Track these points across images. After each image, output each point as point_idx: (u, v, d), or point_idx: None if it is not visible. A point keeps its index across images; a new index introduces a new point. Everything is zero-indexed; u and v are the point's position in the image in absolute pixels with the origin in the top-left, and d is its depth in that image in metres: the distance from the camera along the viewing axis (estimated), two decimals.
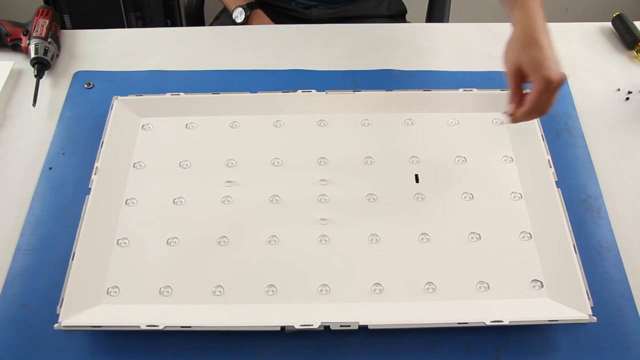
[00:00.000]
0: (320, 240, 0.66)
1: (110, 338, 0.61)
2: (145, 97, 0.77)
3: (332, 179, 0.71)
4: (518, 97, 0.65)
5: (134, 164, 0.73)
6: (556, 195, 0.67)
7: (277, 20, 1.08)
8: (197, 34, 0.93)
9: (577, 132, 0.78)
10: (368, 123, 0.76)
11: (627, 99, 0.83)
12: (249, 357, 0.60)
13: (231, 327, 0.59)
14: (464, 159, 0.73)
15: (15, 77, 0.84)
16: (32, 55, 0.82)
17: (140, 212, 0.69)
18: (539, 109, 0.63)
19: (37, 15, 0.86)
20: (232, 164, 0.73)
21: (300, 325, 0.58)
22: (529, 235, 0.67)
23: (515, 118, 0.66)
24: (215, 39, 0.91)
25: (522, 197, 0.70)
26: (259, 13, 1.06)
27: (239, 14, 1.04)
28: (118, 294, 0.63)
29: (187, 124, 0.76)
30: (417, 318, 0.60)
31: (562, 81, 0.62)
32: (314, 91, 0.77)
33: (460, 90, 0.77)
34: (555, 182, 0.68)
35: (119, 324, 0.59)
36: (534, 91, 0.62)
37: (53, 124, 0.79)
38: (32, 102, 0.79)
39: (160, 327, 0.58)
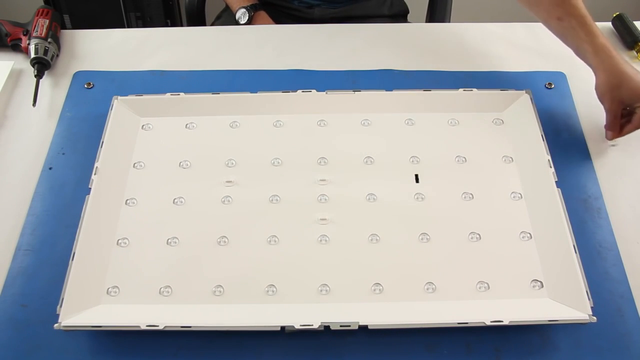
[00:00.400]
0: (320, 240, 0.66)
1: (110, 338, 0.61)
2: (145, 97, 0.77)
3: (332, 179, 0.71)
4: (619, 124, 0.75)
5: (134, 164, 0.73)
6: (556, 195, 0.67)
7: (279, 20, 1.08)
8: (198, 34, 0.93)
9: (577, 132, 0.78)
10: (368, 123, 0.76)
11: None
12: (249, 357, 0.60)
13: (231, 327, 0.59)
14: (464, 159, 0.73)
15: (15, 77, 0.84)
16: (32, 55, 0.82)
17: (140, 212, 0.69)
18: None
19: (37, 15, 0.86)
20: (232, 164, 0.73)
21: (300, 325, 0.58)
22: (529, 235, 0.67)
23: (618, 136, 0.76)
24: (215, 39, 0.91)
25: (522, 197, 0.70)
26: (263, 14, 1.06)
27: (242, 15, 1.04)
28: (118, 294, 0.63)
29: (187, 124, 0.76)
30: (417, 318, 0.60)
31: None
32: (314, 91, 0.77)
33: (460, 90, 0.77)
34: (555, 182, 0.68)
35: (119, 324, 0.59)
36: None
37: (53, 124, 0.79)
38: (32, 102, 0.79)
39: (160, 327, 0.58)
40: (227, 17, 1.15)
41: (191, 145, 0.74)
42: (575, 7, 0.75)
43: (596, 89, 0.75)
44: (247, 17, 1.04)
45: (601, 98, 0.75)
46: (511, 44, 0.89)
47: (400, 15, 1.16)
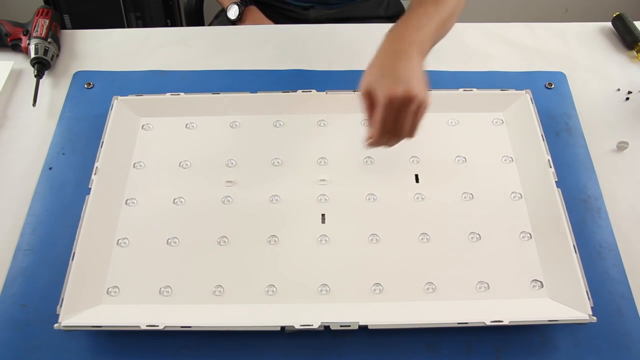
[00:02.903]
0: (320, 241, 0.66)
1: (110, 338, 0.61)
2: (145, 97, 0.77)
3: (332, 179, 0.71)
4: (371, 117, 0.61)
5: (134, 164, 0.73)
6: (556, 195, 0.67)
7: (274, 20, 1.08)
8: (197, 34, 0.93)
9: (577, 132, 0.78)
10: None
11: (627, 99, 0.83)
12: (249, 357, 0.60)
13: (231, 327, 0.59)
14: (464, 159, 0.73)
15: (15, 77, 0.84)
16: (32, 55, 0.82)
17: (140, 212, 0.69)
18: (392, 130, 0.60)
19: (37, 15, 0.86)
20: (232, 164, 0.73)
21: (300, 325, 0.58)
22: (529, 235, 0.67)
23: (371, 143, 0.62)
24: (215, 39, 0.91)
25: (522, 197, 0.70)
26: (253, 9, 1.06)
27: (233, 11, 1.05)
28: (118, 294, 0.63)
29: (187, 124, 0.76)
30: (417, 318, 0.60)
31: (405, 97, 0.57)
32: (314, 91, 0.77)
33: (460, 90, 0.77)
34: (555, 182, 0.68)
35: (119, 324, 0.59)
36: (377, 109, 0.59)
37: (53, 124, 0.79)
38: (32, 102, 0.79)
39: (160, 327, 0.58)
40: (225, 16, 1.15)
41: (191, 145, 0.74)
42: None
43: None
44: (237, 13, 1.04)
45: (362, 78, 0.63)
46: (511, 44, 0.89)
47: (397, 16, 1.15)
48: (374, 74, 0.60)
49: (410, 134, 0.62)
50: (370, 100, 0.61)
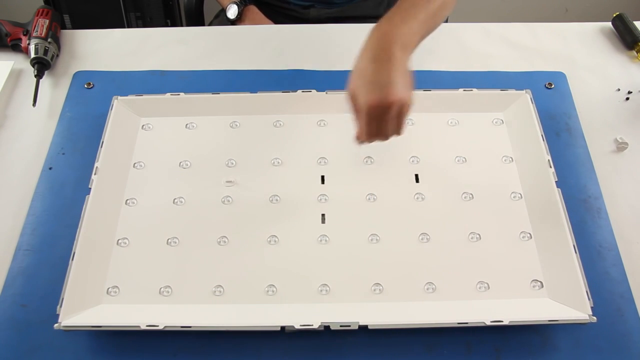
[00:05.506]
0: (320, 240, 0.67)
1: (110, 338, 0.61)
2: (145, 97, 0.77)
3: (332, 179, 0.71)
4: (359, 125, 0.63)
5: (134, 164, 0.73)
6: (556, 195, 0.67)
7: (274, 19, 1.08)
8: (197, 34, 0.93)
9: (577, 132, 0.78)
10: None
11: (627, 99, 0.83)
12: (249, 357, 0.60)
13: (231, 327, 0.59)
14: (464, 159, 0.73)
15: (15, 77, 0.84)
16: (32, 55, 0.82)
17: (140, 212, 0.69)
18: (377, 133, 0.61)
19: (37, 15, 0.86)
20: (232, 164, 0.73)
21: (300, 325, 0.58)
22: (529, 235, 0.67)
23: (359, 142, 0.64)
24: (215, 39, 0.91)
25: (522, 197, 0.70)
26: (252, 9, 1.06)
27: (232, 11, 1.05)
28: (118, 294, 0.63)
29: (187, 124, 0.76)
30: (417, 318, 0.60)
31: (384, 106, 0.57)
32: (314, 91, 0.77)
33: (460, 90, 0.77)
34: (555, 182, 0.68)
35: (119, 324, 0.59)
36: (360, 116, 0.61)
37: (53, 124, 0.79)
38: (32, 102, 0.79)
39: (160, 327, 0.58)
40: (225, 16, 1.15)
41: (191, 145, 0.74)
42: None
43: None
44: (236, 13, 1.05)
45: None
46: (511, 44, 0.89)
47: None
48: (355, 80, 0.60)
49: (397, 133, 0.62)
50: (355, 106, 0.61)
